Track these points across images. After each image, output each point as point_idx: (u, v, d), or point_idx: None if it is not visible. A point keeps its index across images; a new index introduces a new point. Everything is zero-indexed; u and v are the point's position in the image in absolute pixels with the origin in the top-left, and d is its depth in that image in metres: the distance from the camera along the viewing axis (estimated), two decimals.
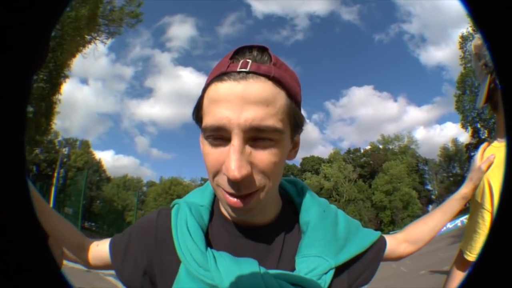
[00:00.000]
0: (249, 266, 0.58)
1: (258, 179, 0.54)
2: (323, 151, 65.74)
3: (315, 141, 71.63)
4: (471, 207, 1.00)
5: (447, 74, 63.46)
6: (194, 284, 0.59)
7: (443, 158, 43.91)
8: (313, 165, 48.96)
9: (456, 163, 41.65)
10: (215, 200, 0.71)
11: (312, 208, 0.69)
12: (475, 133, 26.22)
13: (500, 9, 0.21)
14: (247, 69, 0.52)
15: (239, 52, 0.55)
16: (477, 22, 0.22)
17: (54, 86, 14.41)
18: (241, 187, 0.53)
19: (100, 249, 0.75)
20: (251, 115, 0.51)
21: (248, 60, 0.53)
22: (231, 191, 0.54)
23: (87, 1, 13.93)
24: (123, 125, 75.54)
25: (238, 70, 0.52)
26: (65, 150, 39.82)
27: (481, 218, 0.95)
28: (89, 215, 37.76)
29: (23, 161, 0.24)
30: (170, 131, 78.46)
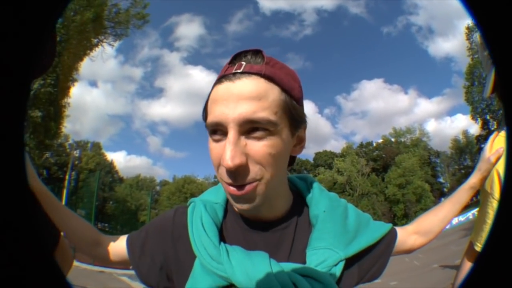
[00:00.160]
0: (260, 259, 0.60)
1: (255, 170, 0.58)
2: (336, 146, 65.41)
3: (328, 136, 71.26)
4: (481, 198, 0.98)
5: (455, 65, 62.23)
6: (208, 277, 0.61)
7: (454, 151, 43.27)
8: (326, 159, 48.58)
9: (467, 155, 41.00)
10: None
11: (322, 202, 0.71)
12: (485, 124, 25.88)
13: (498, 7, 0.21)
14: (241, 70, 0.58)
15: (236, 57, 0.62)
16: (477, 21, 0.23)
17: (63, 90, 14.65)
18: (237, 176, 0.57)
19: (117, 245, 0.78)
20: (245, 109, 0.56)
21: (242, 63, 0.60)
22: (229, 181, 0.58)
23: (92, 4, 14.07)
24: (134, 126, 76.27)
25: (233, 72, 0.59)
26: (76, 153, 40.47)
27: (491, 208, 0.94)
28: (102, 216, 38.29)
29: (23, 163, 0.24)
30: (182, 130, 78.92)
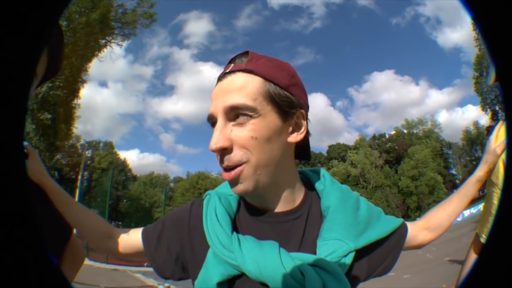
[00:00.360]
0: (270, 248, 0.62)
1: (240, 154, 0.63)
2: (349, 138, 65.14)
3: (341, 128, 71.27)
4: (487, 190, 0.96)
5: (464, 56, 61.03)
6: (220, 266, 0.64)
7: (466, 142, 42.51)
8: (339, 152, 48.32)
9: (478, 147, 40.17)
10: None
11: (333, 193, 0.73)
12: (494, 115, 25.30)
13: (498, 9, 0.22)
14: (228, 70, 0.66)
15: (229, 62, 0.69)
16: (476, 20, 0.23)
17: (72, 91, 14.81)
18: (223, 159, 0.63)
19: (131, 237, 0.82)
20: (229, 99, 0.63)
21: (231, 64, 0.67)
22: (221, 166, 0.65)
23: (97, 6, 14.14)
24: (146, 124, 77.04)
25: (223, 73, 0.67)
26: (88, 153, 41.06)
27: (497, 200, 0.92)
28: (116, 214, 38.88)
29: (23, 163, 0.24)
30: (195, 126, 78.45)
